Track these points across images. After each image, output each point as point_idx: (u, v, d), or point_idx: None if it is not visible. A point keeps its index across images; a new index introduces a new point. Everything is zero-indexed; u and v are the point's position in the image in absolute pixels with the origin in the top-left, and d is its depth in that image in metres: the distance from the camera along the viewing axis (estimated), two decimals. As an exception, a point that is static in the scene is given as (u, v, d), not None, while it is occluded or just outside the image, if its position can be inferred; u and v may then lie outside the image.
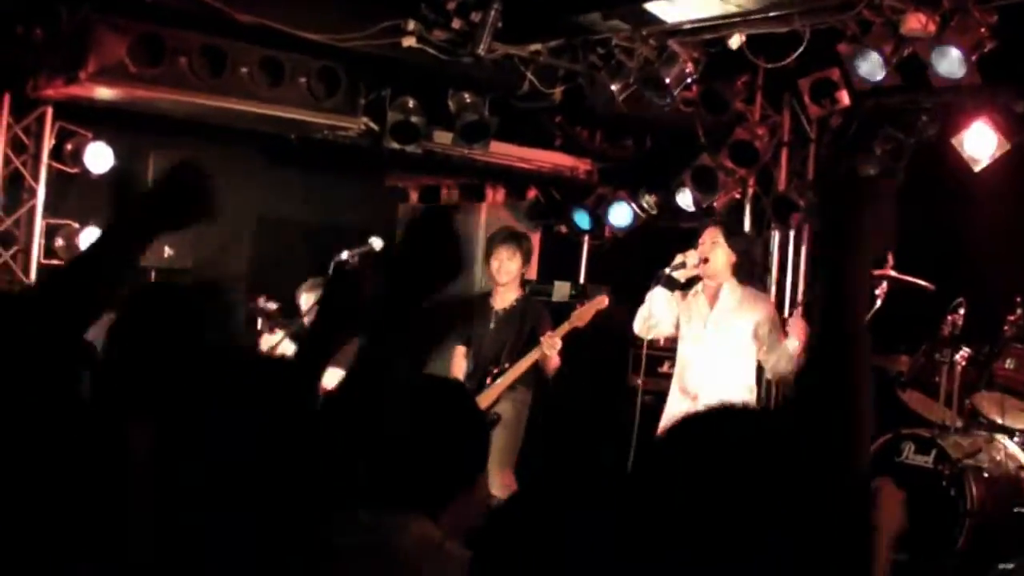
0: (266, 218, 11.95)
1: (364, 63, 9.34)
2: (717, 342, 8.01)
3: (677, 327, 8.23)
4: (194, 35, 8.80)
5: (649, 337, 8.23)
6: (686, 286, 8.19)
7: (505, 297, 9.03)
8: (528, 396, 8.95)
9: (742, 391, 7.95)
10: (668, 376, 8.59)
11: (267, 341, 8.94)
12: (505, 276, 8.94)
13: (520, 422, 8.95)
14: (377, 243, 8.72)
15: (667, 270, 8.00)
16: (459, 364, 9.08)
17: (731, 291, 8.05)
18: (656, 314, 8.08)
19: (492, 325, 9.00)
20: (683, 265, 8.01)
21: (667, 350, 8.89)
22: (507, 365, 8.72)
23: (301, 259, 10.52)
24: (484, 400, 8.54)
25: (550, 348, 8.53)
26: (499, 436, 8.63)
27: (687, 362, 8.16)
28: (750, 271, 8.39)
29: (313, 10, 8.59)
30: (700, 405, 7.44)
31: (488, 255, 9.09)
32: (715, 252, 7.99)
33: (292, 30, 8.50)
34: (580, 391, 10.29)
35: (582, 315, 8.70)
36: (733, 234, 8.25)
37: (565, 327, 8.67)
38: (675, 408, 8.00)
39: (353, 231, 9.49)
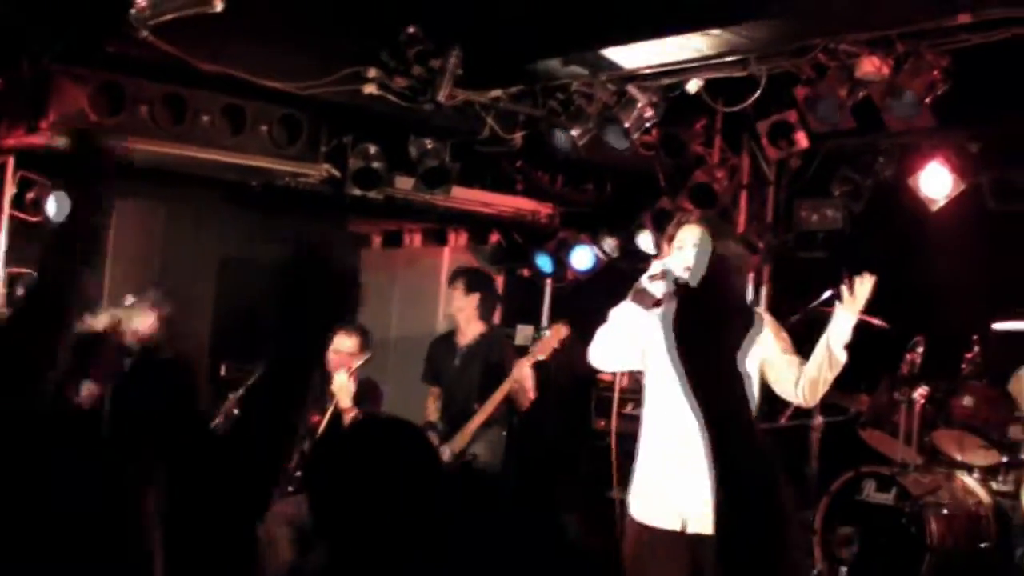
0: (229, 264, 11.96)
1: (326, 110, 9.40)
2: None
3: (643, 359, 6.35)
4: (155, 84, 8.83)
5: (610, 370, 6.73)
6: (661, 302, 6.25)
7: (468, 333, 9.08)
8: (503, 434, 8.92)
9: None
10: (633, 418, 8.55)
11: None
12: (459, 313, 9.02)
13: (498, 461, 8.93)
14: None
15: (643, 281, 6.14)
16: (432, 404, 9.17)
17: None
18: (621, 339, 6.26)
19: (458, 362, 9.04)
20: (663, 275, 6.09)
21: (631, 391, 8.88)
22: (477, 405, 8.72)
23: (264, 305, 10.54)
24: (459, 442, 8.57)
25: (520, 375, 8.54)
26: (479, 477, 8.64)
27: (664, 406, 6.21)
28: (744, 284, 6.82)
29: (274, 58, 8.62)
30: (689, 456, 5.96)
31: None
32: (698, 259, 6.19)
33: (254, 78, 8.53)
34: (541, 435, 10.31)
35: (543, 347, 8.64)
36: (720, 235, 6.35)
37: (526, 362, 8.65)
38: (653, 462, 6.25)
39: (316, 277, 9.52)
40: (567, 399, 10.41)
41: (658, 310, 6.16)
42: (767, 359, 6.16)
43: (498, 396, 8.64)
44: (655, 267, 6.13)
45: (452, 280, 9.18)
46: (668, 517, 6.07)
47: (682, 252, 6.16)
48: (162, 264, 9.84)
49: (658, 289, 6.08)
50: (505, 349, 9.05)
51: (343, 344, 8.87)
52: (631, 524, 6.22)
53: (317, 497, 3.16)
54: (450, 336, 9.27)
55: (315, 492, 3.19)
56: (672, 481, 6.09)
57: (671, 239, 6.26)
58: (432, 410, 9.12)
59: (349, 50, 8.72)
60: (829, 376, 6.10)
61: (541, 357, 8.64)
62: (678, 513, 6.02)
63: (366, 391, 8.84)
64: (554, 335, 8.70)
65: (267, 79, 8.60)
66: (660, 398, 6.24)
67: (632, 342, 6.28)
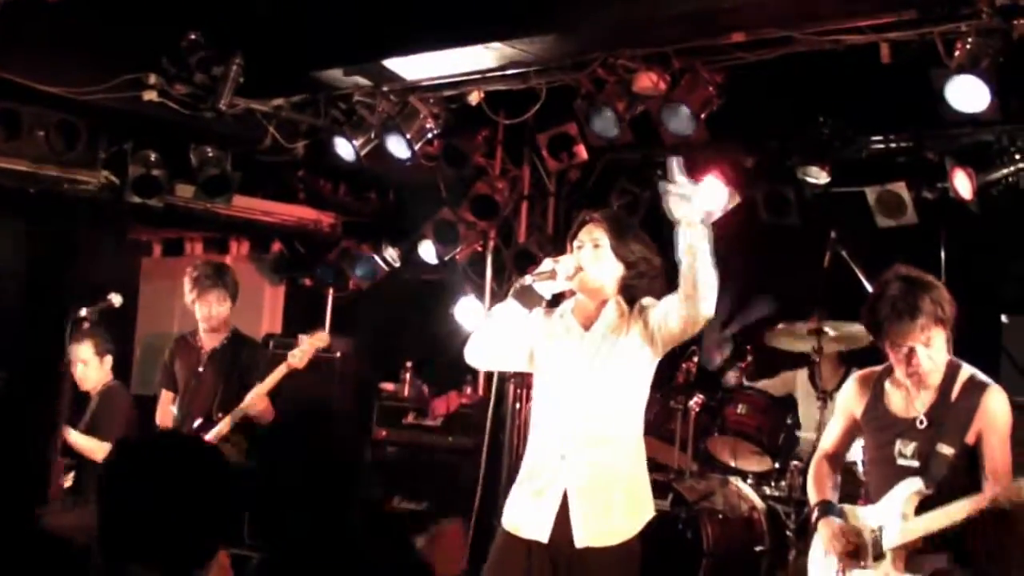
0: (3, 272, 11.70)
1: (105, 116, 9.23)
2: (594, 377, 5.62)
3: (532, 361, 5.85)
4: (-73, 88, 8.63)
5: (487, 369, 6.23)
6: (552, 303, 5.86)
7: (213, 336, 8.69)
8: (244, 444, 8.69)
9: (630, 444, 5.68)
10: (414, 427, 8.52)
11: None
12: (216, 321, 8.69)
13: (244, 461, 8.72)
14: (116, 299, 8.58)
15: (528, 278, 5.68)
16: (166, 411, 8.78)
17: (617, 304, 5.69)
18: (501, 337, 5.71)
19: (201, 368, 8.70)
20: (552, 275, 5.62)
21: (414, 400, 8.86)
22: (220, 415, 8.36)
23: (38, 315, 10.33)
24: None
25: (252, 406, 8.26)
26: None
27: (549, 411, 5.75)
28: (648, 291, 5.80)
29: (52, 63, 8.48)
30: (571, 466, 5.54)
31: (193, 299, 8.60)
32: (597, 260, 5.66)
33: (31, 83, 8.38)
34: (317, 443, 10.26)
35: (302, 356, 8.35)
36: (624, 235, 5.76)
37: (282, 370, 8.29)
38: (532, 478, 5.72)
39: (95, 286, 9.33)
40: (348, 407, 10.35)
41: (553, 313, 5.82)
42: (658, 324, 5.58)
43: (235, 416, 8.36)
44: (545, 265, 5.67)
45: (214, 286, 8.55)
46: (539, 527, 5.58)
47: (579, 252, 5.66)
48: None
49: (546, 289, 5.67)
50: (253, 361, 8.66)
51: (79, 352, 8.77)
52: (500, 533, 5.72)
53: (109, 516, 3.14)
54: (189, 339, 8.83)
55: (107, 512, 3.15)
56: (547, 492, 5.61)
57: (572, 238, 5.76)
58: (165, 415, 8.74)
59: (129, 56, 8.60)
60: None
61: (297, 367, 8.42)
62: (548, 523, 5.54)
63: (112, 396, 8.79)
64: (312, 343, 8.48)
65: (44, 84, 8.45)
66: (555, 398, 5.74)
67: (514, 342, 5.77)
